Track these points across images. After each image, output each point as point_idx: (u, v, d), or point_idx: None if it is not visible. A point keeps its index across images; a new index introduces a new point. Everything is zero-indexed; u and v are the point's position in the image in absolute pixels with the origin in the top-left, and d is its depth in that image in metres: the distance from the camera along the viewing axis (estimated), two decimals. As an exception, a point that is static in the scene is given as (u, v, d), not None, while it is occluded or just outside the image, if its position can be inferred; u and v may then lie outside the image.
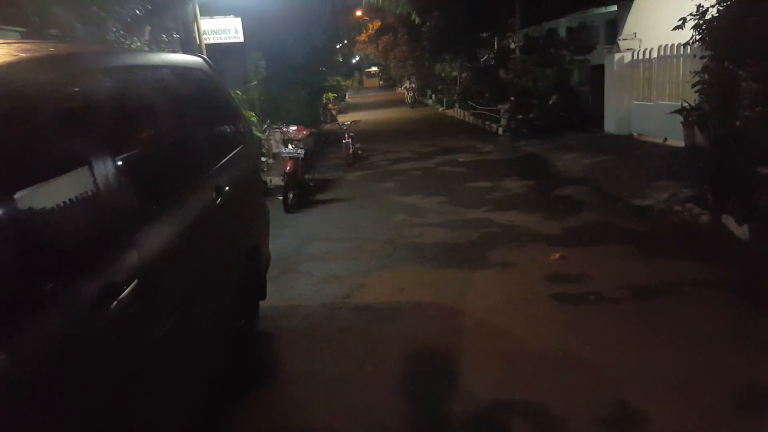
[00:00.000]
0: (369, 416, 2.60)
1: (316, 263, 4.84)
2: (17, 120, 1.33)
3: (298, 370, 3.12)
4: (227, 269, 2.70)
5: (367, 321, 3.63)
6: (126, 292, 1.54)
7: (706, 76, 5.65)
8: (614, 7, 13.18)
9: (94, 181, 1.56)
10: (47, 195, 1.40)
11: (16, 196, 1.25)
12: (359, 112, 21.81)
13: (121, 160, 1.73)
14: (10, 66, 1.38)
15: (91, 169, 1.56)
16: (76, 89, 1.63)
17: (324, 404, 2.76)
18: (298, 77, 12.05)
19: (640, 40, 11.31)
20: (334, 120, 18.04)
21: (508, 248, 4.86)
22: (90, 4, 4.24)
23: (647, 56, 10.23)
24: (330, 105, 20.26)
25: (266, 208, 3.81)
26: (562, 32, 17.01)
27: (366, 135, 13.49)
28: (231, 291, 2.74)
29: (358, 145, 10.67)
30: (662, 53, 9.69)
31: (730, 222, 4.84)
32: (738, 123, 5.37)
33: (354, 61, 32.56)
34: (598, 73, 11.91)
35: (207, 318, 2.35)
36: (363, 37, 32.94)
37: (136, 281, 1.61)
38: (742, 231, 4.67)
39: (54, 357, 1.25)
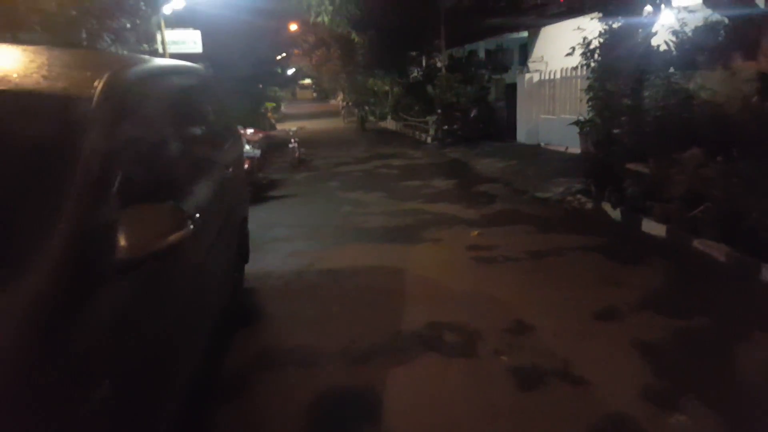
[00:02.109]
0: (338, 337, 3.51)
1: (279, 243, 5.67)
2: (156, 106, 2.17)
3: (279, 312, 3.98)
4: (232, 228, 3.52)
5: (330, 279, 4.55)
6: (196, 217, 2.38)
7: (591, 93, 7.09)
8: (526, 33, 15.00)
9: (179, 152, 2.41)
10: (161, 161, 2.25)
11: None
12: (297, 122, 22.51)
13: (188, 140, 2.58)
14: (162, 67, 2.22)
15: (177, 145, 2.41)
16: (183, 89, 2.47)
17: (302, 333, 3.63)
18: (243, 87, 12.73)
19: (547, 62, 13.06)
20: (273, 128, 18.70)
21: (438, 229, 5.95)
22: (89, 18, 4.88)
23: (551, 77, 11.88)
24: (269, 114, 20.88)
25: (248, 191, 4.63)
26: (482, 53, 18.82)
27: (307, 142, 14.28)
28: (234, 245, 3.57)
29: (302, 150, 11.51)
30: (563, 74, 11.36)
31: (607, 207, 6.23)
32: (615, 130, 6.83)
33: (289, 72, 33.16)
34: (511, 90, 13.53)
35: (223, 259, 3.18)
36: (298, 51, 33.77)
37: (197, 215, 2.45)
38: (615, 213, 6.06)
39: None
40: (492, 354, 3.18)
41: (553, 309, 3.76)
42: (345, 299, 4.12)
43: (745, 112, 4.97)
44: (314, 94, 55.83)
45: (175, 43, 8.67)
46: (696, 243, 4.68)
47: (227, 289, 3.49)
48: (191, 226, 1.74)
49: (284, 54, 26.48)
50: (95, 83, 1.92)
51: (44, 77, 2.00)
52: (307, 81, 54.48)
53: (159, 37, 8.48)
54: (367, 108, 20.92)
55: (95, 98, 1.85)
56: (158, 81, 2.64)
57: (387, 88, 21.87)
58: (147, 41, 7.53)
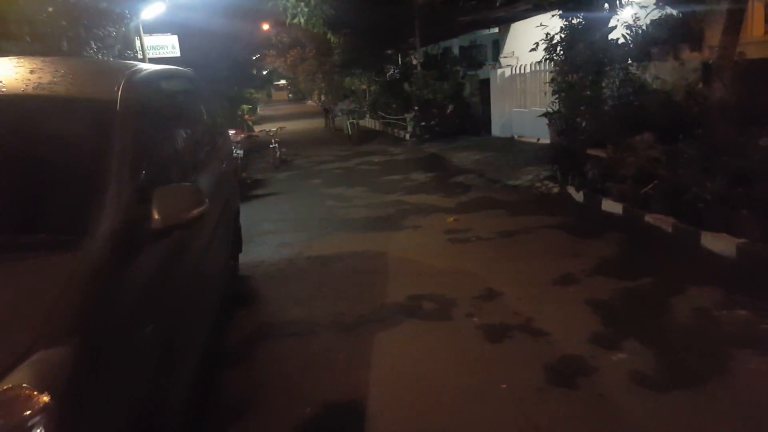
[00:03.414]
0: (328, 311, 3.91)
1: (268, 236, 6.04)
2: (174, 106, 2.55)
3: (273, 294, 4.37)
4: (228, 218, 3.90)
5: (318, 264, 4.95)
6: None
7: (554, 86, 7.59)
8: (497, 30, 15.51)
9: (184, 145, 2.79)
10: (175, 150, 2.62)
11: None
12: (275, 124, 22.75)
13: (189, 135, 2.96)
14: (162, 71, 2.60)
15: (182, 139, 2.79)
16: (180, 91, 2.84)
17: (295, 309, 4.02)
18: (220, 88, 13.00)
19: (517, 57, 13.58)
20: (250, 130, 18.92)
21: (417, 217, 6.39)
22: (78, 27, 5.18)
23: (522, 71, 12.41)
24: (246, 116, 21.07)
25: (237, 186, 5.01)
26: (456, 50, 19.32)
27: (287, 143, 14.63)
28: (230, 234, 3.95)
29: (283, 149, 11.85)
30: (533, 68, 11.87)
31: (571, 190, 6.73)
32: (577, 119, 7.34)
33: (264, 73, 33.24)
34: (485, 85, 14.03)
35: (223, 243, 3.56)
36: (272, 52, 33.90)
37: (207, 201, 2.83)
38: (578, 195, 6.57)
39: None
40: (464, 317, 3.63)
41: (519, 278, 4.22)
42: (333, 280, 4.52)
43: (689, 98, 5.50)
44: (290, 95, 55.76)
45: (153, 48, 8.95)
46: (647, 217, 5.19)
47: (227, 271, 3.87)
48: (208, 203, 2.13)
49: (258, 55, 26.54)
50: (115, 88, 2.29)
51: (72, 84, 2.37)
52: (282, 82, 54.48)
53: (137, 43, 8.74)
54: (353, 116, 17.10)
55: (119, 100, 2.23)
56: (160, 84, 3.01)
57: (364, 86, 22.29)
58: (127, 47, 7.81)
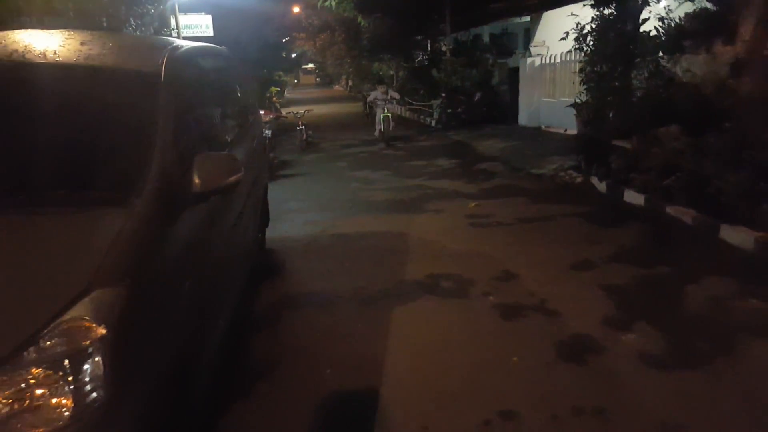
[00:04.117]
0: (350, 285, 4.07)
1: (294, 215, 6.23)
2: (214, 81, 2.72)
3: (297, 267, 4.56)
4: (258, 193, 4.09)
5: (342, 241, 5.12)
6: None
7: (583, 75, 7.55)
8: (529, 18, 15.34)
9: (220, 117, 2.96)
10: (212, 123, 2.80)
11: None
12: (302, 107, 22.99)
13: (224, 109, 3.13)
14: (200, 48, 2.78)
15: (218, 111, 2.96)
16: (216, 68, 3.02)
17: (318, 282, 4.20)
18: (251, 71, 13.23)
19: (548, 47, 13.45)
20: (278, 112, 19.17)
21: (440, 202, 6.49)
22: (119, 4, 5.42)
23: (552, 61, 12.30)
24: (274, 98, 21.33)
25: (267, 164, 5.20)
26: (486, 38, 19.15)
27: (313, 126, 14.80)
28: (259, 208, 4.14)
29: (310, 132, 12.03)
30: (563, 58, 11.76)
31: (595, 180, 6.74)
32: (605, 110, 7.30)
33: (293, 56, 33.51)
34: (514, 74, 13.94)
35: (252, 215, 3.74)
36: (301, 35, 34.09)
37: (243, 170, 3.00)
38: (602, 186, 6.58)
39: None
40: (481, 295, 3.75)
41: (537, 262, 4.31)
42: (355, 257, 4.69)
43: (718, 92, 5.45)
44: (317, 79, 55.88)
45: (188, 27, 9.19)
46: (669, 209, 5.20)
47: (255, 243, 4.06)
48: (243, 171, 2.29)
49: (288, 38, 26.68)
50: (159, 61, 2.46)
51: (119, 56, 2.55)
52: (310, 66, 54.67)
53: (173, 22, 8.97)
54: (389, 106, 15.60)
55: (162, 73, 2.40)
56: (199, 60, 3.18)
57: (392, 72, 22.27)
58: (163, 25, 8.04)
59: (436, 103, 14.99)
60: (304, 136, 11.52)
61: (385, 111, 11.64)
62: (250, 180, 3.71)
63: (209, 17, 9.21)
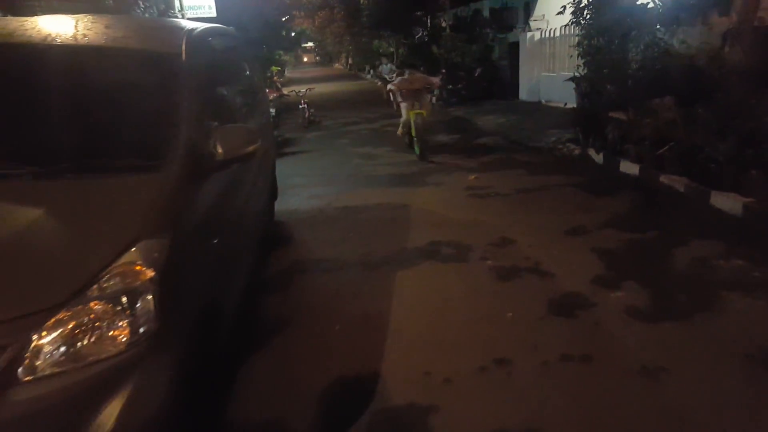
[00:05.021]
0: (355, 252, 4.31)
1: (299, 189, 6.44)
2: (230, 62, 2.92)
3: (305, 237, 4.80)
4: (267, 166, 4.30)
5: (346, 213, 5.35)
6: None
7: (581, 49, 7.67)
8: (528, -8, 15.26)
9: (235, 93, 3.16)
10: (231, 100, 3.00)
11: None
12: (303, 86, 23.02)
13: (237, 86, 3.33)
14: (213, 29, 2.97)
15: (233, 88, 3.16)
16: (227, 48, 3.20)
17: (326, 249, 4.44)
18: (252, 50, 13.29)
19: (548, 21, 13.44)
20: (279, 90, 19.24)
21: (440, 175, 6.70)
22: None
23: (552, 35, 12.34)
24: (275, 77, 21.37)
25: (274, 139, 5.40)
26: (486, 12, 19.04)
27: (315, 104, 14.90)
28: (268, 181, 4.36)
29: (312, 110, 12.18)
30: (563, 32, 11.80)
31: (592, 152, 6.93)
32: (602, 82, 7.44)
33: (293, 35, 33.29)
34: (515, 49, 13.98)
35: (263, 186, 3.97)
36: (300, 13, 33.77)
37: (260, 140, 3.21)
38: (598, 157, 6.77)
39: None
40: (478, 259, 3.99)
41: (533, 229, 4.54)
42: (359, 227, 4.93)
43: (711, 63, 5.60)
44: (317, 58, 55.49)
45: (191, 8, 9.28)
46: (662, 178, 5.41)
47: (266, 213, 4.30)
48: (260, 142, 2.51)
49: (288, 16, 26.46)
50: (180, 42, 2.66)
51: (143, 38, 2.75)
52: (310, 44, 54.24)
53: (176, 3, 9.06)
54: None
55: (183, 53, 2.59)
56: (212, 40, 3.36)
57: (392, 49, 22.23)
58: (168, 7, 8.15)
59: (436, 79, 15.03)
60: (307, 114, 11.67)
61: (415, 106, 7.65)
62: (261, 152, 3.92)
63: (212, -2, 9.31)
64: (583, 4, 7.55)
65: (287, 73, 33.12)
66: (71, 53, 2.43)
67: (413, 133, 7.67)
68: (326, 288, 3.71)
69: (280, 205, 5.44)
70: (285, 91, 18.32)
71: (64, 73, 2.35)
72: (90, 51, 2.47)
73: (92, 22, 2.81)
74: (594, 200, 5.26)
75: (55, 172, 2.01)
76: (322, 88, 22.00)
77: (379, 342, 2.97)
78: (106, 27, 2.74)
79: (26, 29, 2.55)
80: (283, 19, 20.58)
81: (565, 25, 10.41)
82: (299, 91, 11.82)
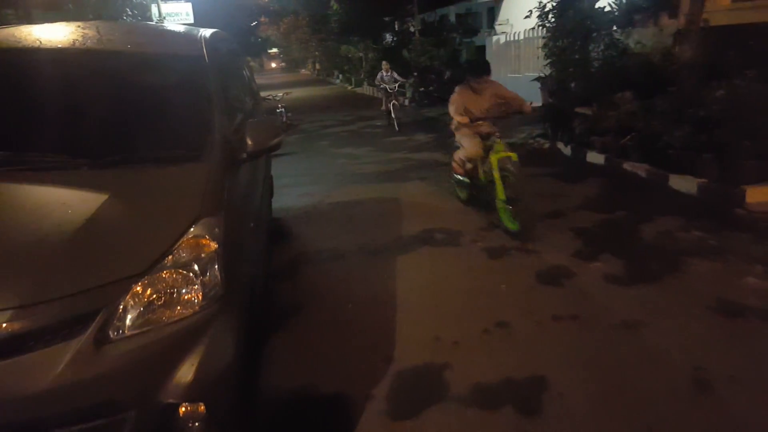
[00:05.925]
0: (355, 243, 4.62)
1: (290, 188, 6.70)
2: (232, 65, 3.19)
3: (304, 231, 5.08)
4: (269, 162, 4.58)
5: (339, 208, 5.66)
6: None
7: (546, 50, 8.19)
8: (491, -3, 15.88)
9: (242, 93, 3.44)
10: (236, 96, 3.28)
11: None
12: (278, 91, 23.12)
13: (243, 86, 3.60)
14: (218, 34, 3.24)
15: (242, 87, 3.43)
16: (230, 51, 3.48)
17: (325, 241, 4.73)
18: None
19: (512, 25, 14.09)
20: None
21: (423, 170, 7.08)
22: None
23: (516, 38, 12.93)
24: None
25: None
26: (453, 18, 19.65)
27: (291, 108, 15.12)
28: (268, 179, 4.63)
29: (289, 114, 12.40)
30: (527, 36, 12.41)
31: (561, 145, 7.44)
32: (567, 81, 7.98)
33: (259, 40, 33.32)
34: (481, 52, 14.55)
35: (267, 183, 4.24)
36: (265, 19, 33.88)
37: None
38: (567, 150, 7.27)
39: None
40: (470, 242, 4.37)
41: (515, 214, 4.94)
42: (354, 220, 5.24)
43: (664, 60, 6.16)
44: (282, 64, 55.46)
45: (170, 15, 9.44)
46: (625, 165, 5.92)
47: (269, 206, 4.57)
48: (283, 135, 2.80)
49: (256, 22, 26.61)
50: (200, 46, 2.93)
51: (166, 43, 3.01)
52: (274, 50, 54.22)
53: (155, 10, 9.20)
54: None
55: (205, 55, 2.87)
56: (221, 44, 3.64)
57: (361, 54, 22.60)
58: (142, 15, 8.30)
59: (408, 82, 15.49)
60: (284, 118, 11.88)
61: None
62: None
63: (189, 5, 9.48)
64: (548, 9, 8.08)
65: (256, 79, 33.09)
66: (112, 58, 2.68)
67: (500, 193, 4.42)
68: (332, 274, 4.00)
69: (274, 204, 5.68)
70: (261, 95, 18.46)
71: (102, 75, 2.60)
72: (130, 56, 2.72)
73: (113, 28, 3.06)
74: (566, 187, 5.72)
75: (108, 163, 2.26)
76: (294, 93, 22.20)
77: (389, 316, 3.29)
78: (128, 33, 2.99)
79: (81, 36, 2.77)
80: (252, 24, 20.72)
81: (531, 29, 11.01)
82: (276, 96, 12.02)
